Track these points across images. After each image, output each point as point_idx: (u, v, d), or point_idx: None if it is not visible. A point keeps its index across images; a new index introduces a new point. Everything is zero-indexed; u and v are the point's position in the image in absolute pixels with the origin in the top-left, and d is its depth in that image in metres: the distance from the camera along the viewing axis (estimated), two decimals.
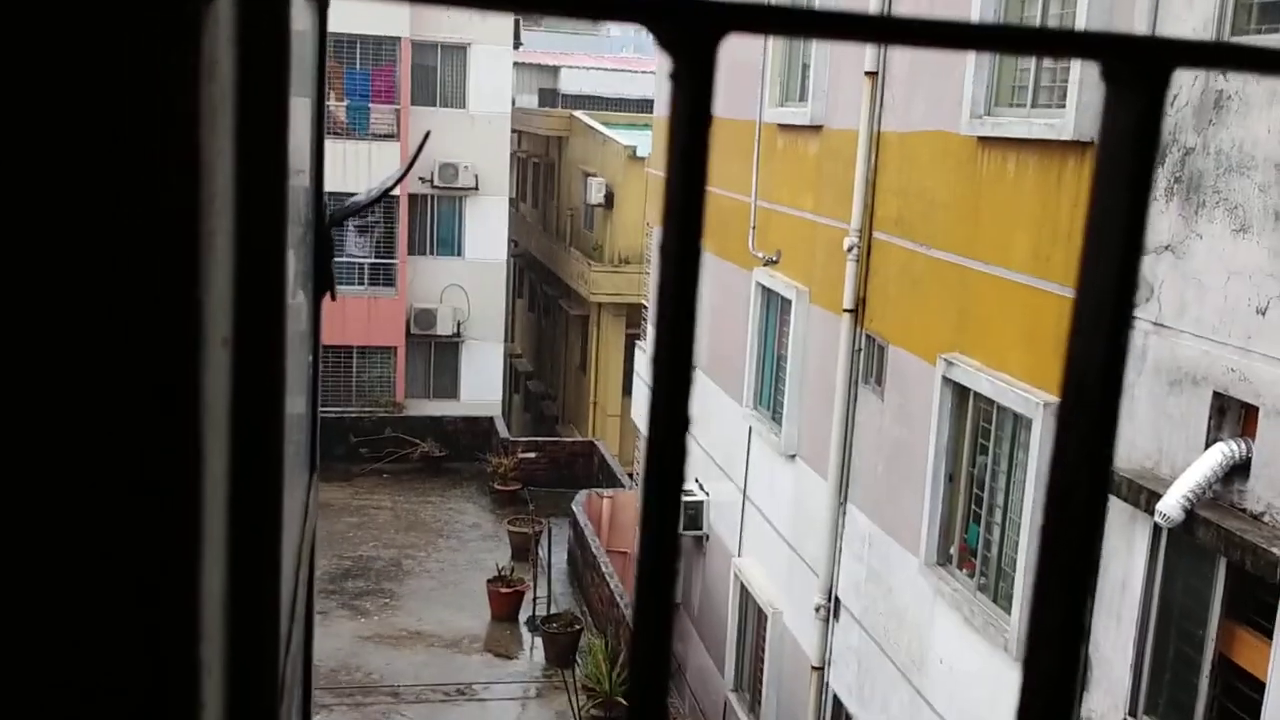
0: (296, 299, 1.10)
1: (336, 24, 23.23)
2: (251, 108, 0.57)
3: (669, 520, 0.44)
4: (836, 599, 10.26)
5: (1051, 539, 0.45)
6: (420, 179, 23.90)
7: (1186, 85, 5.98)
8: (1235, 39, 5.80)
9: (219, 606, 0.55)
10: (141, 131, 0.39)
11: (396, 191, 23.13)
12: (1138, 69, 0.42)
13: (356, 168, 22.77)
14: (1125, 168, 0.43)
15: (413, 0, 0.35)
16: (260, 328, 0.61)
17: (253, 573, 0.63)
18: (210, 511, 0.49)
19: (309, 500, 1.31)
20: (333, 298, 1.46)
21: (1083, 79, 6.85)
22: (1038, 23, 7.59)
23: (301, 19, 1.13)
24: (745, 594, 12.34)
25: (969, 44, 0.41)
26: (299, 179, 1.22)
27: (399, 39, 23.54)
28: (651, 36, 0.42)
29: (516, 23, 25.38)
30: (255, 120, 0.57)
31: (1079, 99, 6.85)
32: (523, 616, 16.35)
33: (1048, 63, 7.57)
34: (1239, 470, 5.61)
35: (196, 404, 0.43)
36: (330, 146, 24.83)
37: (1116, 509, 6.42)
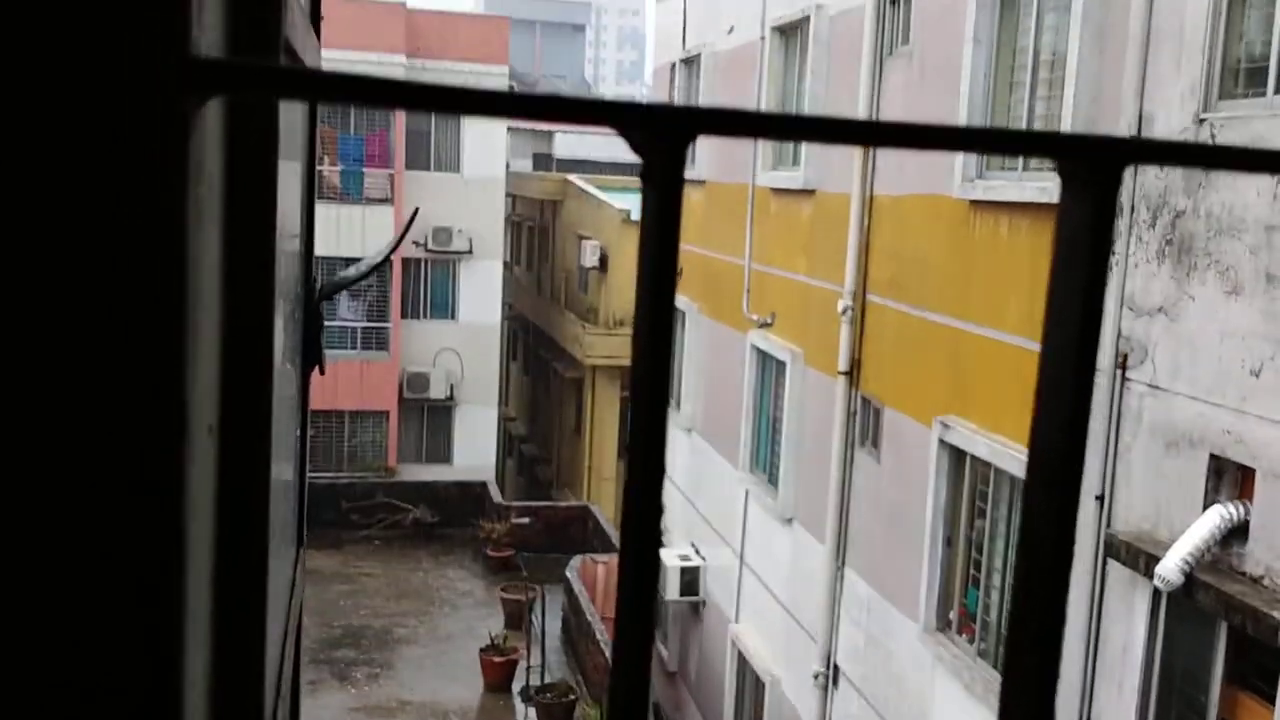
0: (285, 372, 1.11)
1: None
2: (240, 207, 0.58)
3: (647, 584, 0.44)
4: (835, 666, 10.13)
5: (1023, 591, 0.46)
6: (415, 243, 24.05)
7: None
8: (1223, 103, 5.89)
9: (202, 693, 0.55)
10: (128, 231, 0.40)
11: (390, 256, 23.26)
12: (1090, 167, 0.43)
13: (350, 232, 22.93)
14: (1080, 262, 0.44)
15: (382, 106, 0.37)
16: (247, 413, 0.61)
17: (237, 659, 0.63)
18: (194, 599, 0.50)
19: (296, 575, 1.30)
20: (321, 372, 1.46)
21: None
22: (1026, 99, 7.71)
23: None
24: (743, 661, 12.19)
25: (924, 145, 0.42)
26: (289, 253, 1.23)
27: None
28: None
29: (511, 88, 25.73)
30: (244, 218, 0.59)
31: None
32: (516, 686, 16.10)
33: (1039, 126, 7.69)
34: (1237, 533, 5.59)
35: (180, 496, 0.44)
36: (324, 211, 25.00)
37: (1116, 572, 6.38)
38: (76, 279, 0.41)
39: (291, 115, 1.32)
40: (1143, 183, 6.37)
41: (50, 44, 0.39)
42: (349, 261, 23.09)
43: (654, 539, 0.44)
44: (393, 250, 2.31)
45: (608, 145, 34.18)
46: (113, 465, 0.43)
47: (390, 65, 23.74)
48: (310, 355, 1.39)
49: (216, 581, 0.60)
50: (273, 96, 0.57)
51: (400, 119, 24.10)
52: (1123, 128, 6.41)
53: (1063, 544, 0.46)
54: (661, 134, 0.41)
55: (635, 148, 0.42)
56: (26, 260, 0.41)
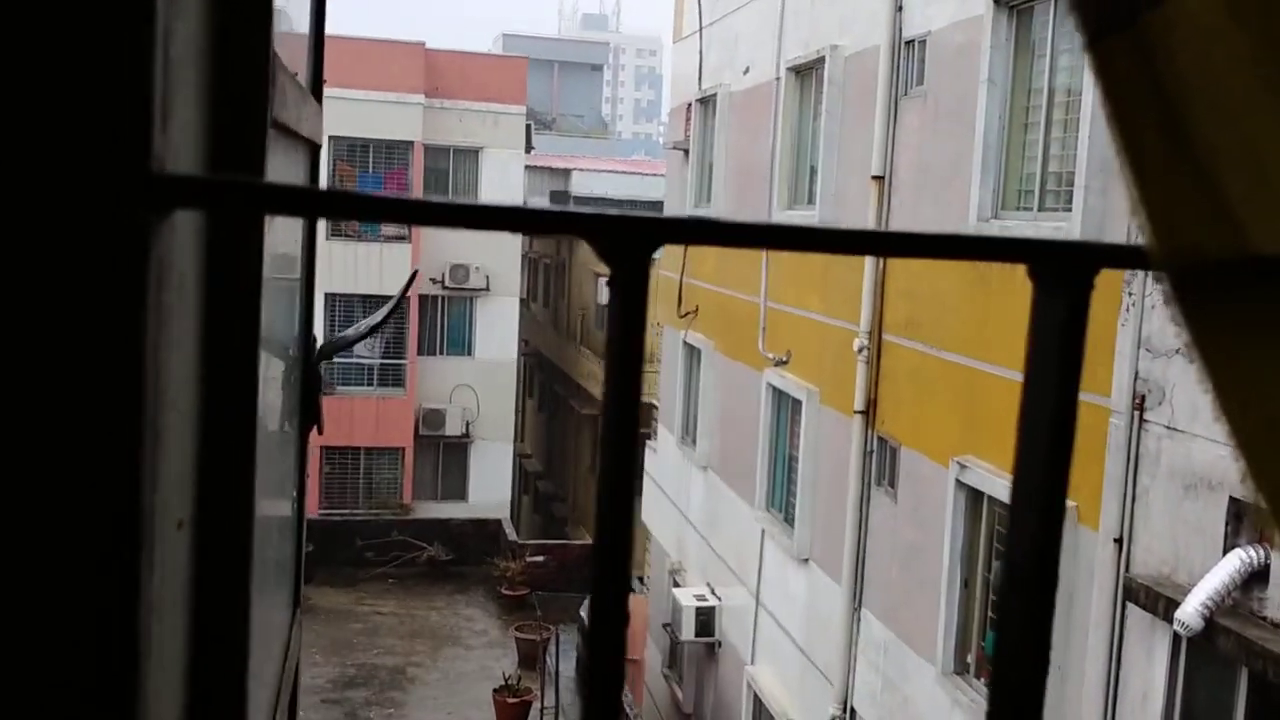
0: (277, 440, 1.11)
1: (350, 128, 23.84)
2: (221, 312, 0.58)
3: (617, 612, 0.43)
4: (852, 709, 10.01)
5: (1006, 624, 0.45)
6: (431, 280, 24.20)
7: None
8: None
9: None
10: (82, 339, 0.40)
11: (408, 293, 23.40)
12: (1061, 271, 0.43)
13: (368, 270, 23.08)
14: (1054, 361, 0.44)
15: (341, 218, 0.37)
16: (226, 504, 0.61)
17: None
18: (163, 689, 0.49)
19: (290, 637, 1.29)
20: (320, 432, 1.47)
21: (1088, 184, 6.94)
22: (1041, 139, 7.72)
23: (291, 167, 1.16)
24: (759, 704, 12.05)
25: (893, 251, 0.42)
26: (284, 314, 1.24)
27: (412, 143, 24.10)
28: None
29: (528, 127, 25.98)
30: (225, 324, 0.59)
31: (1085, 202, 6.94)
32: None
33: (1053, 166, 7.69)
34: (1258, 577, 5.51)
35: (135, 590, 0.43)
36: (342, 248, 25.06)
37: (1135, 617, 6.29)
38: (29, 385, 0.41)
39: (292, 165, 1.33)
40: None
41: (11, 161, 0.39)
42: (366, 299, 23.23)
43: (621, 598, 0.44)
44: (391, 312, 2.33)
45: (624, 183, 34.40)
46: (68, 571, 0.43)
47: (409, 105, 24.01)
48: (308, 416, 1.39)
49: (192, 667, 0.59)
50: (234, 211, 0.58)
51: (419, 158, 24.33)
52: None
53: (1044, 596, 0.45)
54: (626, 242, 0.41)
55: (602, 255, 0.42)
56: None
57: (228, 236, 0.57)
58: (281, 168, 1.00)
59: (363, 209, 0.38)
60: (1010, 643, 0.43)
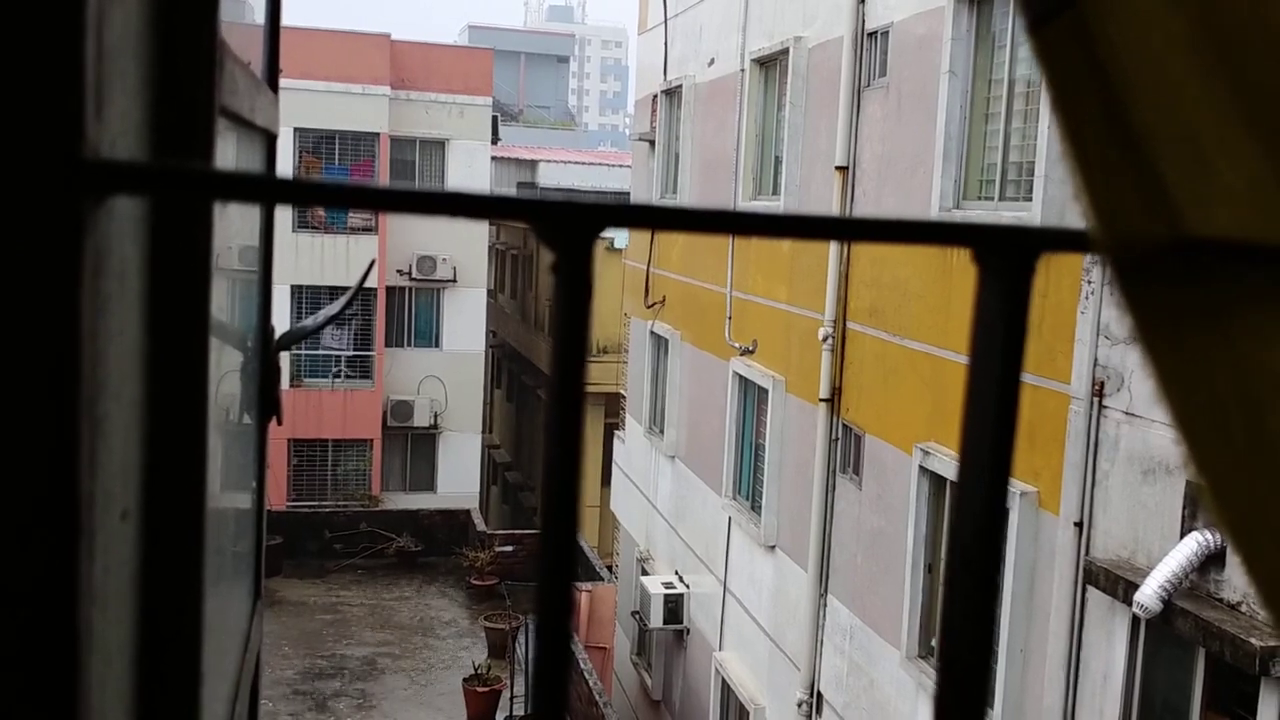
0: (232, 431, 1.10)
1: (316, 120, 23.64)
2: (167, 301, 0.57)
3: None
4: (819, 693, 10.09)
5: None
6: (399, 271, 24.06)
7: None
8: None
9: None
10: (14, 329, 0.40)
11: (374, 285, 23.25)
12: (1005, 256, 0.43)
13: (335, 262, 22.91)
14: (997, 345, 0.44)
15: (287, 202, 0.36)
16: (175, 493, 0.60)
17: None
18: (108, 679, 0.48)
19: (250, 629, 1.28)
20: (279, 423, 1.46)
21: (1048, 173, 7.01)
22: (1002, 129, 7.78)
23: (245, 156, 1.14)
24: (727, 689, 12.12)
25: (838, 235, 0.42)
26: (242, 304, 1.22)
27: (378, 134, 23.92)
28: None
29: (494, 118, 25.85)
30: (171, 313, 0.58)
31: (1045, 191, 7.01)
32: (500, 716, 15.96)
33: (1014, 156, 7.76)
34: (1215, 559, 5.61)
35: (72, 578, 0.43)
36: (309, 240, 24.86)
37: (1095, 599, 6.38)
38: None
39: (246, 154, 1.31)
40: None
41: None
42: (333, 291, 23.02)
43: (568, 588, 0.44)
44: (350, 301, 2.31)
45: (591, 174, 34.32)
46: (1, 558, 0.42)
47: (375, 96, 23.81)
48: (267, 406, 1.38)
49: (142, 659, 0.59)
50: (172, 197, 0.57)
51: (385, 149, 24.16)
52: None
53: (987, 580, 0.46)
54: (568, 227, 0.41)
55: (543, 240, 0.42)
56: None
57: (172, 224, 0.57)
58: (234, 157, 0.99)
59: (306, 194, 0.38)
60: (955, 616, 0.44)
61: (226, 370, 0.97)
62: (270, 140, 1.46)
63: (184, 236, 0.58)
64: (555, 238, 0.40)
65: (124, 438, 0.53)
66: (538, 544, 0.42)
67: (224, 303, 0.92)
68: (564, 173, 34.60)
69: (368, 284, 22.96)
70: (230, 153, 0.96)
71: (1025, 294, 0.43)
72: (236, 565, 1.16)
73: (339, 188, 0.38)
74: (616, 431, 17.81)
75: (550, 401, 0.43)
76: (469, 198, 0.40)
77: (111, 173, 0.36)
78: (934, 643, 8.42)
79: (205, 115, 0.64)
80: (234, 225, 1.10)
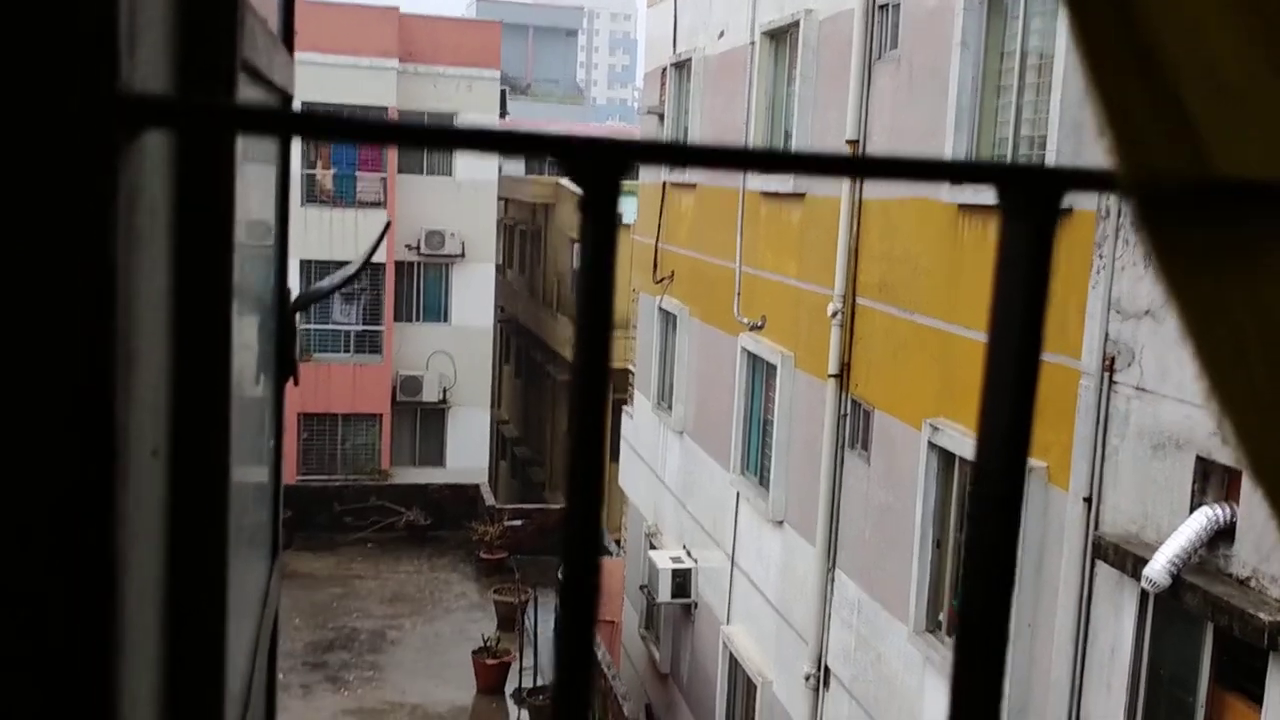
0: (252, 384, 1.10)
1: (324, 94, 23.58)
2: (191, 234, 0.58)
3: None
4: (826, 667, 10.14)
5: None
6: (407, 246, 24.05)
7: None
8: None
9: (151, 716, 0.55)
10: (52, 262, 0.40)
11: (383, 259, 23.25)
12: (1029, 197, 0.44)
13: (344, 235, 22.90)
14: (1019, 292, 0.44)
15: (313, 138, 0.37)
16: (201, 435, 0.61)
17: (193, 683, 0.62)
18: (140, 618, 0.49)
19: (269, 586, 1.30)
20: (295, 383, 1.46)
21: (1060, 146, 6.97)
22: (1014, 103, 7.73)
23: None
24: (734, 663, 12.19)
25: (863, 173, 0.42)
26: (260, 264, 1.23)
27: (386, 109, 23.83)
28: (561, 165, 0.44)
29: (503, 92, 25.76)
30: (196, 245, 0.58)
31: (1057, 164, 6.96)
32: (509, 688, 16.09)
33: (1025, 129, 7.71)
34: (1224, 535, 5.61)
35: (109, 518, 0.43)
36: (317, 214, 24.82)
37: (1104, 574, 6.39)
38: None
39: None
40: None
41: None
42: (342, 265, 23.05)
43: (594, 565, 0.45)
44: (364, 264, 2.32)
45: None
46: (38, 493, 0.43)
47: (384, 70, 23.73)
48: (284, 365, 1.38)
49: (170, 603, 0.60)
50: (204, 130, 0.57)
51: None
52: None
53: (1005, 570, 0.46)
54: (599, 164, 0.41)
55: (571, 176, 0.42)
56: None
57: (199, 160, 0.57)
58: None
59: (332, 130, 0.39)
60: (975, 573, 0.44)
61: (245, 324, 0.98)
62: (286, 100, 1.46)
63: (210, 173, 0.58)
64: (584, 174, 0.41)
65: (153, 376, 0.54)
66: (564, 477, 0.43)
67: (243, 260, 0.93)
68: None
69: (376, 258, 22.93)
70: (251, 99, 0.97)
71: (1050, 234, 0.43)
72: (256, 519, 1.17)
73: (373, 125, 0.38)
74: (625, 407, 17.84)
75: (578, 339, 0.43)
76: (497, 135, 0.40)
77: (146, 106, 0.37)
78: (941, 617, 8.45)
79: (228, 64, 0.65)
80: (250, 183, 1.11)
